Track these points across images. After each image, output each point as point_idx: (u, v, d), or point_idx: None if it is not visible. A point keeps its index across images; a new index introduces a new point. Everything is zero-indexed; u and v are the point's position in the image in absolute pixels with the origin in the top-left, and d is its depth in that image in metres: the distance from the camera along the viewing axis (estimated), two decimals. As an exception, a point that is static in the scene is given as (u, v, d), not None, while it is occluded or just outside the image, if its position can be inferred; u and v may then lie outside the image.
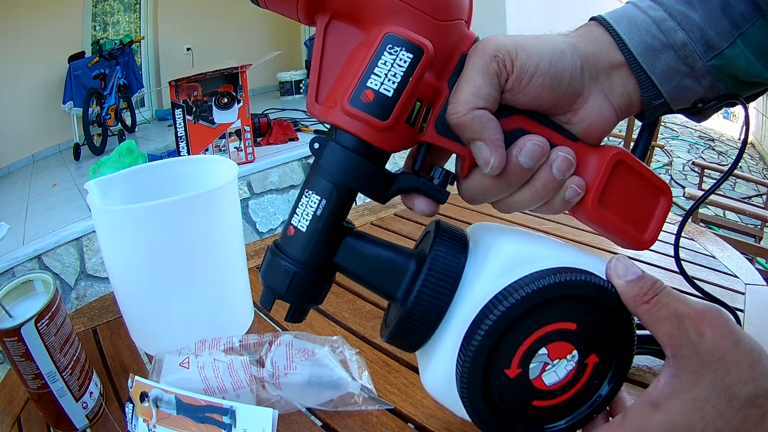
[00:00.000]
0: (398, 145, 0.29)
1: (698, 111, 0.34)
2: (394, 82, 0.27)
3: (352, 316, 0.68)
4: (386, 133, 0.28)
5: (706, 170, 2.40)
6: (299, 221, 0.30)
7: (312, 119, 2.74)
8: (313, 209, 0.29)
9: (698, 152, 4.13)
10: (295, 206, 0.30)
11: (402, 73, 0.27)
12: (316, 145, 0.29)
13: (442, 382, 0.30)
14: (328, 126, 0.30)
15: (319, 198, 0.29)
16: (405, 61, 0.27)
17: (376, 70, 0.27)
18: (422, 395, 0.53)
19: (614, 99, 0.32)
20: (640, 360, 0.53)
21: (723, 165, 3.46)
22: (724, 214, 2.35)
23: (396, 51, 0.27)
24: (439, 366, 0.30)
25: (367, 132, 0.28)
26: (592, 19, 0.33)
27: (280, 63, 3.46)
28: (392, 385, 0.55)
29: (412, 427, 0.51)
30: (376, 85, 0.27)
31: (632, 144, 0.36)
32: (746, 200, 2.50)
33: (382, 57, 0.27)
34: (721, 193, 2.70)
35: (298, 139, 2.48)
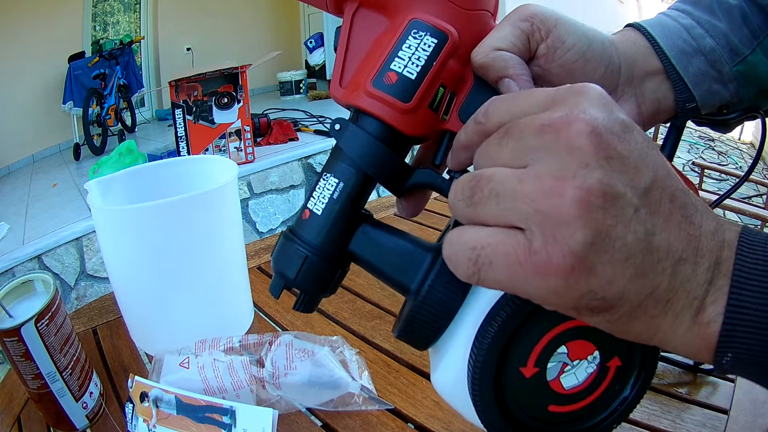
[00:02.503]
0: (420, 130, 0.29)
1: (723, 122, 0.35)
2: (417, 66, 0.27)
3: (352, 316, 0.68)
4: (408, 116, 0.28)
5: (706, 170, 2.40)
6: (315, 204, 0.29)
7: (312, 119, 2.74)
8: (330, 192, 0.29)
9: (698, 152, 4.14)
10: (312, 189, 0.30)
11: (426, 57, 0.27)
12: (337, 127, 0.29)
13: (453, 382, 0.29)
14: (352, 109, 0.30)
15: (336, 181, 0.29)
16: (429, 46, 0.27)
17: (400, 54, 0.27)
18: (422, 395, 0.53)
19: (644, 105, 0.33)
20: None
21: (723, 165, 3.46)
22: (724, 214, 2.35)
23: (420, 36, 0.27)
24: (451, 364, 0.28)
25: (389, 114, 0.28)
26: (628, 25, 0.35)
27: (280, 63, 3.46)
28: (392, 385, 0.55)
29: (412, 427, 0.51)
30: (399, 67, 0.27)
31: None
32: (746, 200, 2.50)
33: (407, 41, 0.27)
34: (721, 193, 2.69)
35: (298, 139, 2.48)
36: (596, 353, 0.27)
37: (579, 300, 0.20)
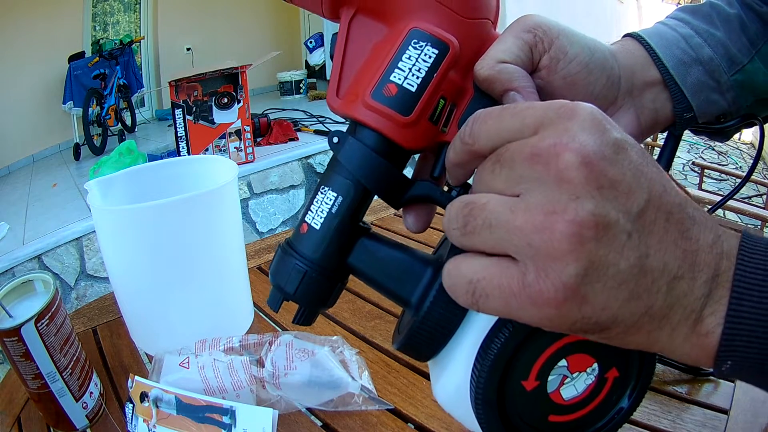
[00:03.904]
0: (419, 143, 0.28)
1: (721, 131, 0.35)
2: (418, 77, 0.26)
3: (352, 316, 0.68)
4: (408, 130, 0.27)
5: (706, 170, 2.41)
6: (313, 218, 0.29)
7: (312, 119, 2.74)
8: (329, 206, 0.28)
9: (698, 152, 4.14)
10: (310, 203, 0.29)
11: (427, 69, 0.27)
12: (335, 140, 0.28)
13: (455, 393, 0.29)
14: (349, 121, 0.29)
15: (335, 195, 0.28)
16: (430, 57, 0.27)
17: (400, 65, 0.27)
18: (422, 395, 0.53)
19: (643, 116, 0.33)
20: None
21: (723, 165, 3.46)
22: (724, 214, 2.35)
23: (421, 46, 0.27)
24: (453, 376, 0.28)
25: (389, 127, 0.27)
26: (626, 35, 0.35)
27: (280, 63, 3.46)
28: (392, 385, 0.55)
29: (412, 427, 0.51)
30: (399, 79, 0.27)
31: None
32: (746, 200, 2.50)
33: (407, 51, 0.27)
34: (721, 193, 2.69)
35: (298, 139, 2.48)
36: (595, 365, 0.27)
37: (572, 325, 0.21)
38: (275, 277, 0.30)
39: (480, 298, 0.22)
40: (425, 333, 0.28)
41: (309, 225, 0.29)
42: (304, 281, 0.29)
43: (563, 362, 0.27)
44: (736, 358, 0.21)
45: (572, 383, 0.27)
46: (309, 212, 0.29)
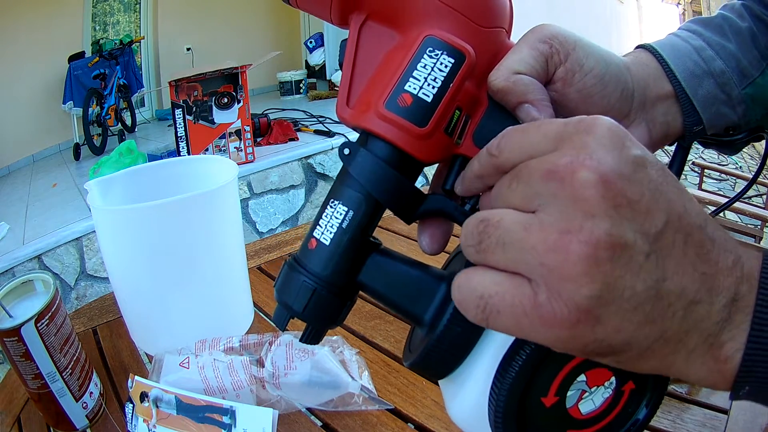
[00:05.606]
0: (434, 155, 0.28)
1: (729, 144, 0.35)
2: (434, 87, 0.26)
3: (352, 316, 0.68)
4: (423, 141, 0.27)
5: (705, 170, 2.41)
6: (322, 234, 0.28)
7: (312, 119, 2.74)
8: (339, 221, 0.27)
9: (698, 152, 4.13)
10: (318, 217, 0.28)
11: (443, 78, 0.26)
12: (346, 151, 0.27)
13: (472, 411, 0.28)
14: (359, 131, 0.29)
15: (345, 209, 0.27)
16: (446, 66, 0.26)
17: (414, 74, 0.26)
18: (422, 395, 0.54)
19: (654, 129, 0.33)
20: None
21: (723, 165, 3.46)
22: (724, 214, 2.35)
23: (437, 54, 0.26)
24: (470, 394, 0.28)
25: (403, 139, 0.26)
26: (639, 46, 0.34)
27: (280, 63, 3.46)
28: (392, 385, 0.55)
29: (412, 427, 0.51)
30: (414, 89, 0.26)
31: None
32: (746, 200, 2.49)
33: (422, 60, 0.26)
34: (721, 193, 2.69)
35: (298, 139, 2.48)
36: (613, 379, 0.27)
37: (585, 347, 0.20)
38: (282, 294, 0.29)
39: (490, 314, 0.21)
40: (441, 352, 0.27)
41: (318, 240, 0.28)
42: (313, 299, 0.28)
43: (582, 377, 0.27)
44: (754, 383, 0.20)
45: (590, 397, 0.27)
46: (318, 227, 0.28)
